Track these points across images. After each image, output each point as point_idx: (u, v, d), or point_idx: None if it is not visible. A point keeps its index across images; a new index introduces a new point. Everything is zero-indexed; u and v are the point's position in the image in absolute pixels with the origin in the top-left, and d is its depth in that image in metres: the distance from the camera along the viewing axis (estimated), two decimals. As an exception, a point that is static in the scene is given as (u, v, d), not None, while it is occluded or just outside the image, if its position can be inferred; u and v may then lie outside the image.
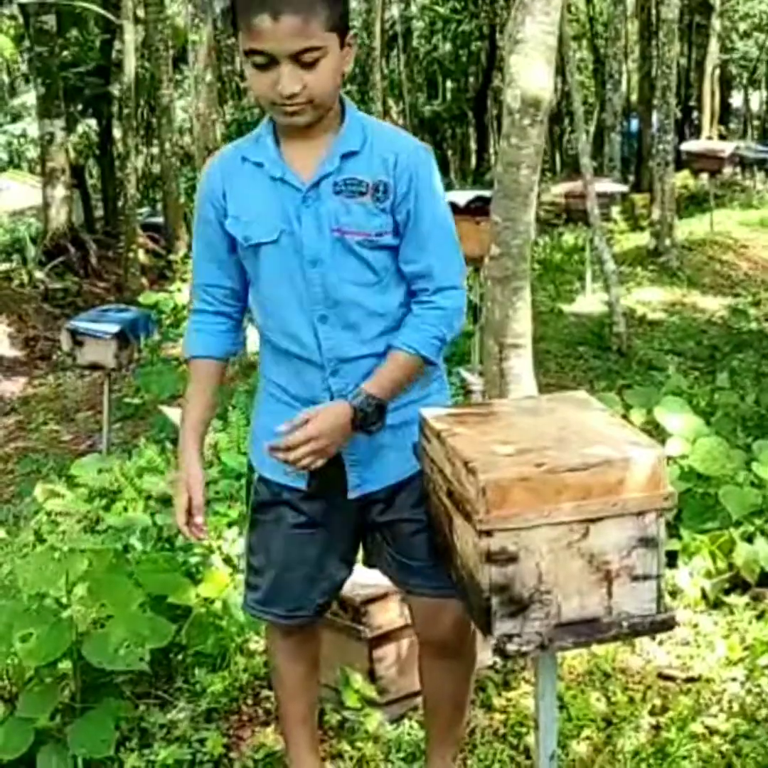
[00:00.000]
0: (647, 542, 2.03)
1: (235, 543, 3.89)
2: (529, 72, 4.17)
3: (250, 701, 3.41)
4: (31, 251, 16.35)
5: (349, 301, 2.33)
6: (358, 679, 3.17)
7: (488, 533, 1.96)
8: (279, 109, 2.22)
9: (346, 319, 2.33)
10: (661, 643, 3.61)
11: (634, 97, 26.40)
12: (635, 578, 2.05)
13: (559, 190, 11.90)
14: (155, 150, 24.78)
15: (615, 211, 12.01)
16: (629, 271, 11.75)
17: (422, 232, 2.33)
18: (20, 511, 6.58)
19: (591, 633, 2.06)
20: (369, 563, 2.63)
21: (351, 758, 3.03)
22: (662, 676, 3.42)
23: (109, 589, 3.42)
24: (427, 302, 2.37)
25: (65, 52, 18.82)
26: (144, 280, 15.64)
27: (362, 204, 2.29)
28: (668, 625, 2.10)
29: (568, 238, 13.40)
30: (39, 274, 15.80)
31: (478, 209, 5.84)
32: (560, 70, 15.01)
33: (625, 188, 12.58)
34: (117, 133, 21.46)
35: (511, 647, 2.02)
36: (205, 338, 2.49)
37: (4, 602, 3.51)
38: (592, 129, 25.44)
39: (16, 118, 27.77)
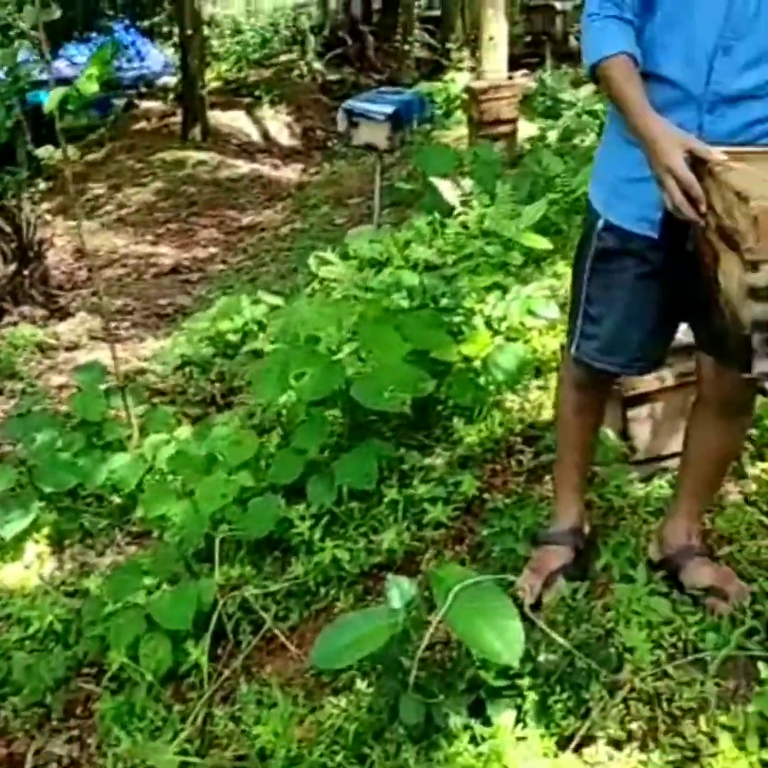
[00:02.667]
0: None
1: (496, 307, 3.97)
2: None
3: (503, 453, 3.56)
4: (311, 42, 16.52)
5: (763, 37, 2.23)
6: (610, 437, 3.24)
7: (755, 266, 1.93)
8: None
9: (747, 56, 2.24)
10: None
11: None
12: None
13: None
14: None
15: None
16: None
17: None
18: (296, 284, 6.94)
19: None
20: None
21: (599, 508, 3.13)
22: None
23: (377, 338, 3.62)
24: None
25: None
26: (418, 73, 15.54)
27: None
28: None
29: None
30: (317, 66, 16.02)
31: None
32: None
33: None
34: None
35: (769, 385, 2.01)
36: (620, 36, 2.27)
37: (282, 345, 3.77)
38: None
39: None
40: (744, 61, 2.25)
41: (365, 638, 2.36)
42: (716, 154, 2.10)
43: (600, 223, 2.52)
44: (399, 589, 2.45)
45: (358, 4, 19.55)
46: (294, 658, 3.00)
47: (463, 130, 9.97)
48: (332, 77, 15.83)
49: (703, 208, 2.09)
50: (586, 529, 2.96)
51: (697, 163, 2.15)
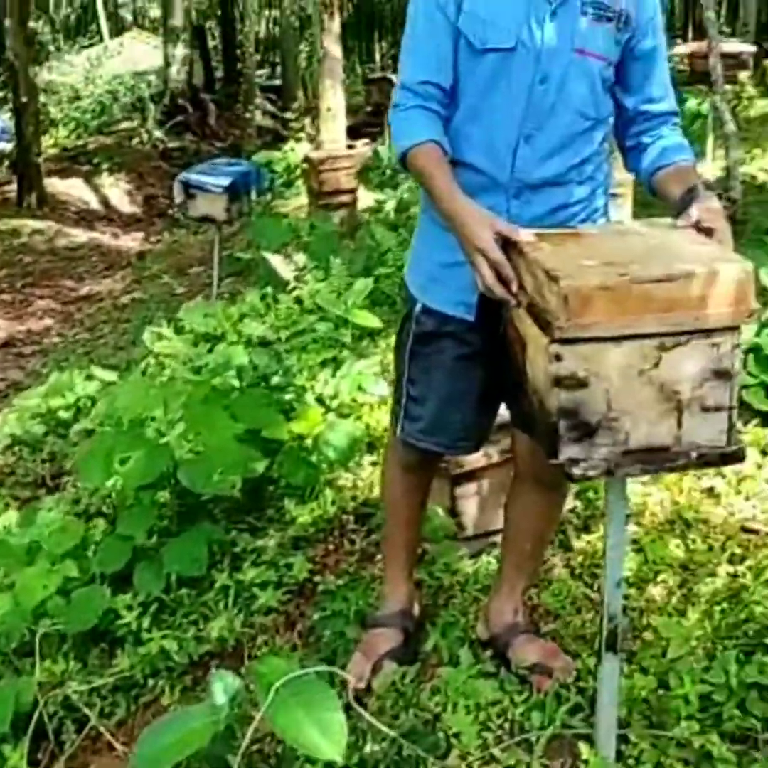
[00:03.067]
0: (720, 374, 2.02)
1: (327, 383, 3.97)
2: None
3: (336, 533, 3.54)
4: (151, 110, 16.47)
5: (562, 126, 2.33)
6: (439, 514, 3.25)
7: (558, 357, 1.98)
8: None
9: (550, 144, 2.34)
10: (747, 497, 3.59)
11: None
12: (706, 409, 2.04)
13: (683, 50, 11.37)
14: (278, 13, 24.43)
15: (744, 75, 11.49)
16: (755, 138, 11.28)
17: (661, 67, 2.43)
18: (133, 358, 6.82)
19: (659, 461, 2.06)
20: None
21: (429, 587, 3.14)
22: (745, 529, 3.42)
23: (206, 420, 3.56)
24: (673, 127, 2.45)
25: None
26: (260, 142, 15.65)
27: (606, 30, 2.32)
28: (738, 456, 2.09)
29: (692, 104, 12.84)
30: (158, 134, 15.97)
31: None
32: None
33: (753, 48, 11.91)
34: (238, -9, 21.25)
35: (576, 471, 2.04)
36: (427, 125, 2.31)
37: (107, 429, 3.67)
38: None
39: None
40: (545, 150, 2.35)
41: (188, 736, 2.28)
42: (525, 234, 2.15)
43: (418, 307, 2.55)
44: (223, 684, 2.38)
45: (200, 73, 19.66)
46: (120, 756, 2.88)
47: (304, 200, 10.07)
48: (173, 145, 15.79)
49: (514, 287, 2.14)
50: (416, 610, 2.95)
51: (507, 244, 2.19)
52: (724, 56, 8.52)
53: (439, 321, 2.51)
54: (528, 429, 2.40)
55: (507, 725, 2.52)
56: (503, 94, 2.31)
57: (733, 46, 11.00)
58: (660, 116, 2.45)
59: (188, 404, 3.62)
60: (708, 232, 2.13)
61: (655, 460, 2.06)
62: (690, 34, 25.92)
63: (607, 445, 2.04)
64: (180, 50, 17.26)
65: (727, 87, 8.67)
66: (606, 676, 2.30)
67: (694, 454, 2.06)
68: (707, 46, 7.92)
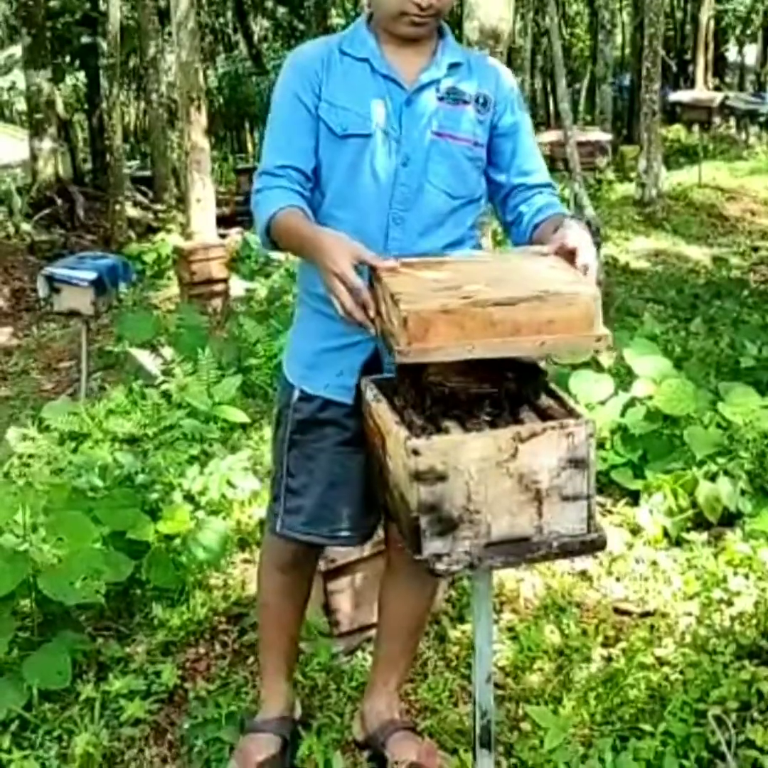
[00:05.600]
0: (577, 463, 2.03)
1: (195, 480, 3.89)
2: (488, 3, 4.12)
3: (207, 635, 3.43)
4: (18, 203, 16.22)
5: (431, 207, 2.36)
6: (313, 611, 3.18)
7: (416, 451, 1.96)
8: (407, 20, 2.29)
9: (421, 225, 2.36)
10: (618, 578, 3.63)
11: (628, 52, 26.21)
12: (565, 498, 2.04)
13: (544, 139, 11.77)
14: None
15: (603, 161, 11.94)
16: (616, 221, 11.69)
17: (527, 141, 2.49)
18: (-2, 458, 6.59)
19: (521, 552, 2.05)
20: None
21: (304, 688, 3.05)
22: (617, 611, 3.44)
23: (67, 524, 3.43)
24: (551, 196, 2.48)
25: (52, 2, 18.52)
26: (131, 233, 15.53)
27: (464, 112, 2.37)
28: (598, 544, 2.09)
29: (555, 189, 13.30)
30: (25, 226, 15.71)
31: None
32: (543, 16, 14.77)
33: (610, 136, 12.39)
34: (106, 84, 21.25)
35: (440, 566, 2.01)
36: (289, 197, 2.30)
37: (-38, 537, 3.51)
38: (585, 82, 25.34)
39: (8, 70, 27.46)
40: (417, 230, 2.37)
41: None
42: (388, 262, 2.12)
43: (296, 394, 2.52)
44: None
45: (69, 165, 19.51)
46: None
47: (176, 290, 10.00)
48: (41, 238, 15.54)
49: (372, 312, 2.10)
50: (298, 713, 2.86)
51: (373, 272, 2.14)
52: (584, 144, 8.86)
53: (318, 406, 2.48)
54: (396, 521, 2.37)
55: (384, 831, 2.44)
56: (368, 178, 2.34)
57: (592, 134, 11.42)
58: (535, 187, 2.48)
59: (49, 508, 3.49)
60: (572, 253, 2.13)
61: (518, 551, 2.05)
62: (552, 123, 26.97)
63: (470, 537, 2.02)
64: (47, 142, 17.10)
65: (587, 173, 8.96)
66: (482, 773, 2.26)
67: (555, 544, 2.05)
68: (564, 136, 8.21)
